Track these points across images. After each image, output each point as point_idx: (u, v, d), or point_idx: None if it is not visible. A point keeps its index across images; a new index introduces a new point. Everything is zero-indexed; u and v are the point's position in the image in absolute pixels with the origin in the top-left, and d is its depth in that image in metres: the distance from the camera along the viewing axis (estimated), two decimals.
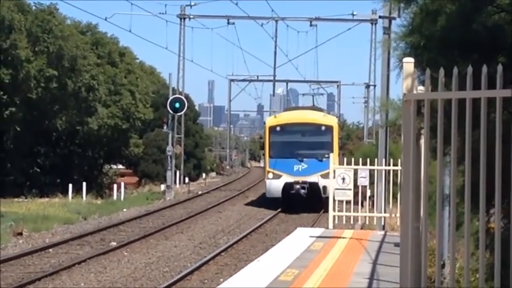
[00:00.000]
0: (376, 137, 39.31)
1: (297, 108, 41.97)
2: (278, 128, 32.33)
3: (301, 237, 15.93)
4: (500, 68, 4.07)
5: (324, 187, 28.61)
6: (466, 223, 4.64)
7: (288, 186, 31.31)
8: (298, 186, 30.81)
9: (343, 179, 16.76)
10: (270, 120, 35.03)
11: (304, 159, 31.69)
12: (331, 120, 34.55)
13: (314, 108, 42.03)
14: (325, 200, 28.69)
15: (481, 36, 4.71)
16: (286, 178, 31.28)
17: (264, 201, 35.74)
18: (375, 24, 42.92)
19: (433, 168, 5.11)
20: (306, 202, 31.50)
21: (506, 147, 4.23)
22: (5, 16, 40.61)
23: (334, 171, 16.86)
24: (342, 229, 17.93)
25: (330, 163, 16.59)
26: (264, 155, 37.58)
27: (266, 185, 32.81)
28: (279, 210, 31.88)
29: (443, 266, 5.83)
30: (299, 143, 32.51)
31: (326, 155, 27.35)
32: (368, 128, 56.79)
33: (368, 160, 17.48)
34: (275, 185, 31.44)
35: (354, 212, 18.41)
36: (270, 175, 31.84)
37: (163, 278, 16.70)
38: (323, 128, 32.38)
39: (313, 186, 30.82)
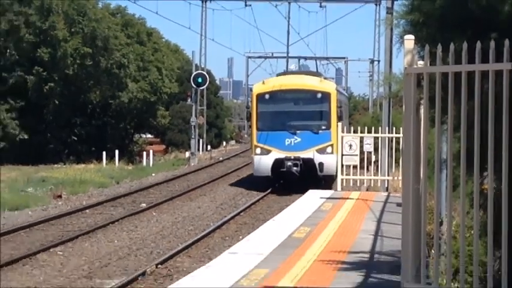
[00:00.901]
0: (380, 108, 37.98)
1: (290, 73, 31.91)
2: (267, 96, 24.78)
3: (313, 198, 16.06)
4: (492, 43, 4.02)
5: (321, 164, 23.28)
6: (461, 185, 4.63)
7: (278, 163, 24.08)
8: (289, 163, 23.60)
9: (350, 146, 17.22)
10: (257, 87, 26.50)
11: (297, 132, 24.17)
12: (329, 87, 26.19)
13: (310, 73, 32.59)
14: (322, 179, 24.64)
15: (475, 15, 4.62)
16: (277, 154, 23.91)
17: None
18: (379, 4, 42.21)
19: (431, 136, 5.06)
20: (299, 181, 23.78)
21: (499, 117, 4.19)
22: (44, 0, 41.51)
23: (342, 138, 17.11)
24: (349, 191, 18.09)
25: (330, 135, 20.57)
26: (250, 127, 28.64)
27: (253, 162, 25.15)
28: (269, 190, 25.05)
29: (441, 223, 5.79)
30: (291, 112, 25.10)
31: (323, 127, 24.02)
32: (373, 100, 56.70)
33: (373, 128, 17.66)
34: (264, 162, 24.08)
35: (360, 175, 18.62)
36: (258, 150, 24.21)
37: (189, 236, 16.84)
38: (319, 95, 24.65)
39: (308, 163, 23.87)
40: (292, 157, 23.89)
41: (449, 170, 4.68)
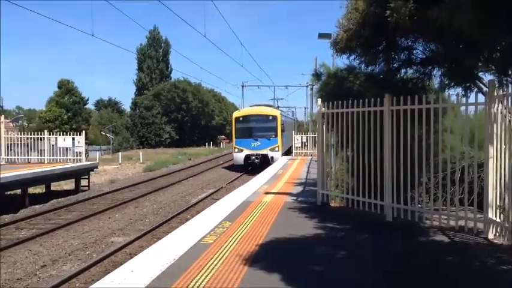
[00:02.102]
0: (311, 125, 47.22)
1: (255, 105, 43.88)
2: (241, 118, 35.18)
3: (282, 160, 30.17)
4: (350, 102, 10.42)
5: (272, 157, 33.40)
6: (338, 154, 11.08)
7: (247, 157, 34.24)
8: (254, 157, 33.77)
9: (297, 139, 35.96)
10: (235, 113, 37.11)
11: (258, 139, 34.26)
12: (276, 112, 36.69)
13: (267, 105, 45.23)
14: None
15: (345, 92, 11.06)
16: (246, 152, 34.00)
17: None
18: (309, 87, 53.51)
19: (327, 135, 11.44)
20: (260, 167, 33.02)
21: (350, 128, 10.55)
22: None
23: (294, 137, 36.69)
24: (297, 156, 34.74)
25: (277, 140, 33.78)
26: (232, 137, 39.14)
27: (234, 156, 35.73)
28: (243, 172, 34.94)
29: (331, 168, 12.02)
30: (255, 128, 34.85)
31: (273, 135, 34.28)
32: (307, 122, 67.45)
33: (305, 133, 29.33)
34: (239, 156, 34.44)
35: (300, 151, 36.28)
36: (236, 150, 34.57)
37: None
38: (270, 117, 35.11)
39: (265, 157, 33.87)
40: (255, 154, 34.09)
41: (334, 148, 11.15)
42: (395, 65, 9.85)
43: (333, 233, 8.20)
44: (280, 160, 32.00)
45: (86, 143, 26.56)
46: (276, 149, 34.37)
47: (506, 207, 7.26)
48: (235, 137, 35.24)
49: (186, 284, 5.54)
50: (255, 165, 34.26)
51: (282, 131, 35.67)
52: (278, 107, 55.16)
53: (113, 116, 77.63)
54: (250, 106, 44.17)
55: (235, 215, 9.77)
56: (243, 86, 43.15)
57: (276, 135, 34.52)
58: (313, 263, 6.34)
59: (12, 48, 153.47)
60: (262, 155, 34.40)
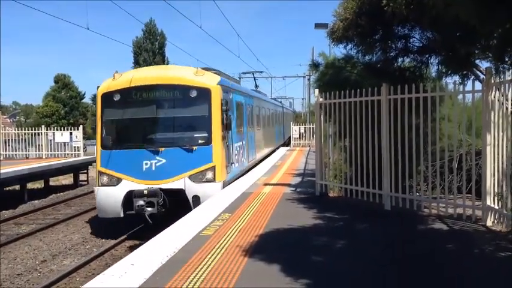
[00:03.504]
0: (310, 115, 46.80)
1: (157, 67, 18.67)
2: (116, 97, 13.80)
3: (282, 150, 29.85)
4: (347, 92, 10.42)
5: (195, 197, 12.72)
6: (336, 144, 11.10)
7: (131, 198, 12.86)
8: (147, 199, 12.60)
9: (295, 130, 33.88)
10: (104, 84, 14.09)
11: (162, 150, 13.38)
12: (209, 81, 13.94)
13: (206, 68, 15.90)
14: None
15: (343, 81, 11.07)
16: (130, 184, 13.06)
17: None
18: (306, 77, 52.65)
19: (325, 126, 11.45)
20: (163, 221, 11.05)
21: (348, 119, 10.56)
22: None
23: (292, 128, 35.19)
24: (296, 147, 32.49)
25: (212, 153, 12.68)
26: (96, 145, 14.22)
27: (97, 197, 13.29)
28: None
29: (329, 159, 12.06)
30: (153, 120, 13.82)
31: (200, 140, 13.24)
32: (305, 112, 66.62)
33: (304, 123, 27.72)
34: (111, 197, 13.05)
35: (298, 141, 34.64)
36: (104, 178, 13.23)
37: None
38: (193, 93, 13.71)
39: (177, 195, 12.92)
40: (151, 191, 12.59)
41: (332, 138, 11.17)
42: (392, 54, 9.84)
43: (331, 222, 8.23)
44: (278, 151, 27.32)
45: (83, 138, 26.54)
46: (209, 174, 13.11)
47: (504, 194, 7.28)
48: (102, 146, 13.62)
49: (187, 276, 5.56)
50: (152, 218, 12.48)
51: (227, 126, 13.94)
52: (257, 87, 34.07)
53: None
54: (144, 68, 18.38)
55: (235, 207, 9.79)
56: (240, 78, 43.00)
57: (209, 140, 13.22)
58: (313, 253, 6.36)
59: (7, 43, 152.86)
60: (169, 191, 13.00)
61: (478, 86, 7.92)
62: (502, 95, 7.44)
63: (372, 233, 7.58)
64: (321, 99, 11.01)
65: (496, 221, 7.59)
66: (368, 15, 8.75)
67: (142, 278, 5.55)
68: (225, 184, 13.09)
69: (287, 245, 6.85)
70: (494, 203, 7.62)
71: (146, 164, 12.81)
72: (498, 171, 7.55)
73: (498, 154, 7.51)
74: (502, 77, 7.39)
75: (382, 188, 9.43)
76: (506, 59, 7.83)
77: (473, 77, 8.84)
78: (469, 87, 8.13)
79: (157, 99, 13.32)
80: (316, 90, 11.18)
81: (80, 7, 49.71)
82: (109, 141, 13.21)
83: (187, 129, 13.65)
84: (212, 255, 6.33)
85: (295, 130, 34.66)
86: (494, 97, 7.56)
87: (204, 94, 13.20)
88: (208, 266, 5.89)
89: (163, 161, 12.80)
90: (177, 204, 12.34)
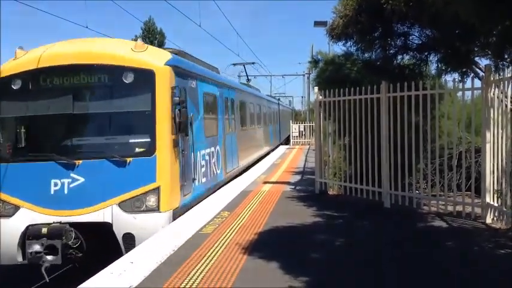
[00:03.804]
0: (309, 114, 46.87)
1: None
2: (16, 85, 8.43)
3: (281, 149, 29.06)
4: (348, 89, 10.40)
5: (128, 236, 7.80)
6: (336, 142, 11.10)
7: (26, 239, 7.64)
8: (37, 247, 7.48)
9: (295, 128, 33.75)
10: (6, 67, 8.65)
11: (80, 163, 7.97)
12: (153, 59, 8.59)
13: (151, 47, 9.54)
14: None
15: (343, 78, 11.06)
16: (31, 215, 7.84)
17: None
18: (305, 75, 52.79)
19: (324, 124, 11.44)
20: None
21: (347, 118, 10.54)
22: None
23: (292, 126, 35.32)
24: (295, 145, 32.12)
25: (155, 167, 8.18)
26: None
27: None
28: None
29: (328, 157, 12.02)
30: (67, 119, 8.31)
31: (138, 149, 8.32)
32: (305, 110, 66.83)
33: (303, 122, 27.25)
34: (3, 234, 7.82)
35: (298, 140, 33.81)
36: None
37: None
38: (129, 77, 8.17)
39: (100, 232, 7.86)
40: (49, 228, 7.72)
41: (331, 136, 11.15)
42: (391, 52, 9.82)
43: (331, 220, 8.22)
44: (278, 149, 26.97)
45: None
46: (151, 200, 8.04)
47: (503, 192, 7.28)
48: None
49: (186, 273, 5.56)
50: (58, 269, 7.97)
51: (181, 127, 8.75)
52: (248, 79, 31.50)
53: None
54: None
55: (234, 205, 9.78)
56: (239, 76, 42.84)
57: (153, 148, 8.25)
58: (312, 251, 6.36)
59: (5, 41, 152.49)
60: (90, 226, 7.83)
61: (478, 83, 7.92)
62: (502, 93, 7.43)
63: (371, 231, 7.58)
64: (320, 97, 10.99)
65: (495, 219, 7.59)
66: (368, 13, 8.73)
67: (142, 276, 5.55)
68: (178, 213, 8.66)
69: (286, 243, 6.85)
70: (493, 201, 7.61)
71: (56, 184, 8.02)
72: (498, 168, 7.55)
73: (498, 151, 7.51)
74: (502, 74, 7.38)
75: (382, 185, 9.42)
76: (506, 57, 7.84)
77: (472, 74, 8.83)
78: (468, 84, 8.14)
79: (75, 86, 8.43)
80: (316, 88, 11.16)
81: (79, 6, 49.35)
82: (3, 151, 8.54)
83: (118, 131, 8.69)
84: (212, 253, 6.33)
85: (294, 128, 34.30)
86: (494, 94, 7.56)
87: (145, 78, 8.40)
88: (207, 264, 5.89)
89: (81, 179, 8.02)
90: (102, 246, 7.95)
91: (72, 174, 8.06)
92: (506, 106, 7.38)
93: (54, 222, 7.80)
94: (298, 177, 14.04)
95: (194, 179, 9.89)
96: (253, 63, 36.70)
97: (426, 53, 9.61)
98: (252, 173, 15.67)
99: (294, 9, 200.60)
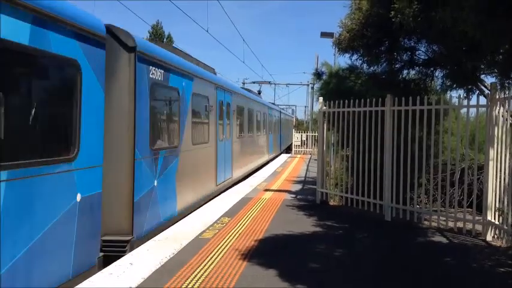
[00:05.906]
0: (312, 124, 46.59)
1: None
2: None
3: (283, 157, 29.62)
4: (347, 102, 10.40)
5: None
6: (339, 153, 11.08)
7: None
8: None
9: (297, 137, 33.87)
10: None
11: None
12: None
13: None
14: None
15: (346, 91, 11.07)
16: None
17: None
18: (309, 85, 52.88)
19: (328, 134, 11.45)
20: None
21: (351, 128, 10.55)
22: None
23: (294, 134, 35.23)
24: (297, 154, 32.55)
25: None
26: None
27: None
28: None
29: (330, 167, 12.02)
30: None
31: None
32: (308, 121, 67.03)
33: (306, 131, 27.07)
34: None
35: (299, 149, 34.31)
36: None
37: None
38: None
39: None
40: None
41: (334, 146, 11.14)
42: (397, 66, 9.85)
43: (331, 231, 8.20)
44: (279, 158, 27.14)
45: None
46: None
47: (505, 210, 7.26)
48: None
49: (185, 277, 5.54)
50: None
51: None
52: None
53: None
54: None
55: (235, 211, 9.76)
56: (243, 83, 42.93)
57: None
58: (311, 260, 6.34)
59: None
60: None
61: (483, 100, 7.93)
62: (506, 111, 7.43)
63: (371, 243, 7.55)
64: (324, 107, 11.00)
65: (496, 236, 7.56)
66: (374, 27, 8.77)
67: (141, 278, 5.53)
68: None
69: (286, 251, 6.82)
70: (494, 218, 7.59)
71: None
72: (500, 186, 7.53)
73: (500, 170, 7.50)
74: (507, 92, 7.39)
75: (383, 198, 9.40)
76: None
77: (477, 91, 8.84)
78: (473, 101, 8.14)
79: None
80: (321, 99, 11.17)
81: (87, 7, 50.01)
82: None
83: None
84: (211, 258, 6.31)
85: (296, 137, 34.25)
86: (499, 112, 7.56)
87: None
88: (207, 269, 5.87)
89: None
90: None
91: None
92: (510, 125, 7.38)
93: None
94: (299, 186, 14.04)
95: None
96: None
97: (432, 68, 9.63)
98: (253, 180, 15.65)
99: (300, 20, 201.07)
